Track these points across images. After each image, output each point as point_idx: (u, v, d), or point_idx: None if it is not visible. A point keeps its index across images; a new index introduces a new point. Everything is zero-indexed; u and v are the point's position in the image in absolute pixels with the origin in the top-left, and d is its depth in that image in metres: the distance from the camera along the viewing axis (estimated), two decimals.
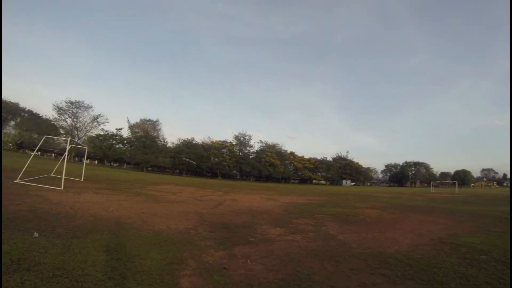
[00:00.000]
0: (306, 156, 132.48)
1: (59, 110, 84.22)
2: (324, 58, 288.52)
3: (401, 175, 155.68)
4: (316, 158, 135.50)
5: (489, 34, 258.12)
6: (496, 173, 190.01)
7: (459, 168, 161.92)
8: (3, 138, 74.92)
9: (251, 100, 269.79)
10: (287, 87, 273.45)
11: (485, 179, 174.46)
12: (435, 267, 7.67)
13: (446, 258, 8.57)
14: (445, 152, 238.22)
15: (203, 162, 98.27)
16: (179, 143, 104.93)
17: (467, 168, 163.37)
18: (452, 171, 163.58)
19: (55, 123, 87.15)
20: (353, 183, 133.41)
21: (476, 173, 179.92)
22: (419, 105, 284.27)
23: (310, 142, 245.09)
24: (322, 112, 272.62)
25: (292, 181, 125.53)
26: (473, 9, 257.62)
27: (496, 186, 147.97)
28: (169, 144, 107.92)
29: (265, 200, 25.31)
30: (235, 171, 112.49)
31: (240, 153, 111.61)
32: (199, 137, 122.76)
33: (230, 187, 40.94)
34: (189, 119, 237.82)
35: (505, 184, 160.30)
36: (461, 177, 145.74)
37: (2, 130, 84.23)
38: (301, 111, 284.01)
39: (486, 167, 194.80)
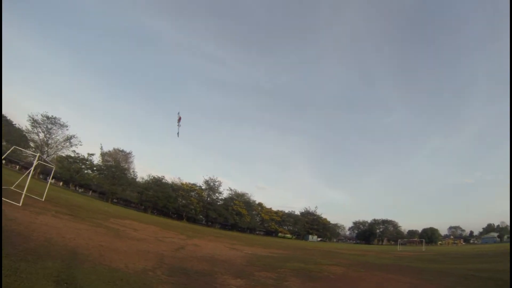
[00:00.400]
0: (274, 208, 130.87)
1: (34, 122, 79.71)
2: (303, 112, 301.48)
3: (368, 233, 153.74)
4: (284, 211, 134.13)
5: (461, 96, 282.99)
6: (463, 230, 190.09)
7: (427, 226, 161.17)
8: None
9: (226, 146, 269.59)
10: (263, 136, 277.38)
11: (452, 237, 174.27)
12: None
13: None
14: (413, 209, 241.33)
15: (170, 202, 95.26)
16: (148, 179, 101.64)
17: (435, 226, 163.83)
18: (419, 229, 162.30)
19: (26, 135, 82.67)
20: (319, 239, 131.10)
21: (443, 230, 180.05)
22: (391, 163, 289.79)
23: (279, 194, 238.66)
24: (294, 165, 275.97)
25: (257, 232, 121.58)
26: (447, 71, 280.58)
27: (463, 243, 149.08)
28: (139, 179, 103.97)
29: (228, 249, 24.75)
30: (201, 216, 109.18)
31: (208, 198, 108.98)
32: (170, 176, 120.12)
33: (194, 232, 39.84)
34: (162, 156, 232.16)
35: (471, 241, 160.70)
36: (429, 235, 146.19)
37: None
38: (274, 163, 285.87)
39: (453, 224, 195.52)
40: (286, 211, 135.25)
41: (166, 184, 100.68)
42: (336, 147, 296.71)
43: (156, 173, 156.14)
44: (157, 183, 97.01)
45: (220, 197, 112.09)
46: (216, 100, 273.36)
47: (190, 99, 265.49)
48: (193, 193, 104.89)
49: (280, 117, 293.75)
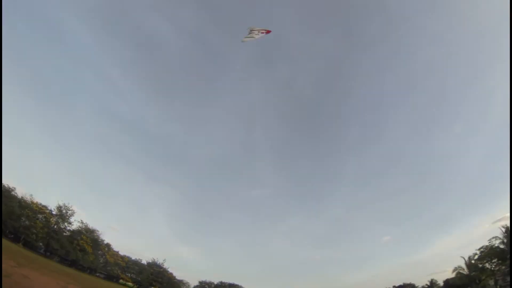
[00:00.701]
0: (122, 253, 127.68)
1: None
2: (177, 163, 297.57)
3: None
4: (131, 258, 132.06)
5: (327, 186, 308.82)
6: None
7: None
8: None
9: (91, 176, 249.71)
10: (130, 177, 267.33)
11: None
12: None
13: None
14: (263, 278, 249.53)
15: (11, 219, 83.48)
16: None
17: None
18: None
19: None
20: None
21: None
22: (248, 233, 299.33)
23: (130, 240, 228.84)
24: (153, 214, 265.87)
25: (98, 274, 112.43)
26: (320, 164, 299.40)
27: None
28: None
29: None
30: (41, 243, 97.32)
31: (55, 226, 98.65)
32: (21, 190, 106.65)
33: (28, 260, 35.21)
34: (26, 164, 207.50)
35: None
36: None
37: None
38: (133, 207, 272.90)
39: None
40: (133, 258, 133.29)
41: (15, 197, 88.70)
42: (198, 205, 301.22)
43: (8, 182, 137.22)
44: (4, 194, 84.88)
45: (68, 228, 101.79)
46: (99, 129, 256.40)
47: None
48: (40, 216, 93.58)
49: (154, 164, 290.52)
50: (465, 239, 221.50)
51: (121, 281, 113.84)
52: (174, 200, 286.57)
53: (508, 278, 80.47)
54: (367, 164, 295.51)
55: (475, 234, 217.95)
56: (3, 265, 20.78)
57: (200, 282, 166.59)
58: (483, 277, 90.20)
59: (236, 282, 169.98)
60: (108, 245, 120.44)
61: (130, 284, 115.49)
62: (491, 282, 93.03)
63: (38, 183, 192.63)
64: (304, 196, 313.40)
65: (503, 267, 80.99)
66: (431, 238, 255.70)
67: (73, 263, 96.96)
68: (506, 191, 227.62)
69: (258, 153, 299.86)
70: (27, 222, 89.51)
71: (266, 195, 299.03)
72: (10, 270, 19.00)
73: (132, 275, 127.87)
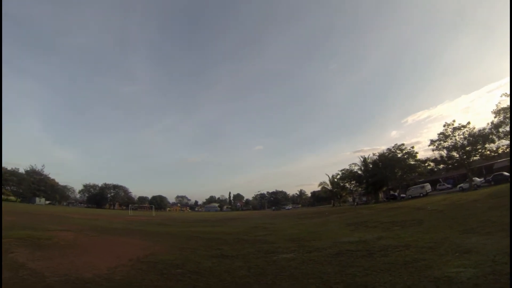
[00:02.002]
0: None
1: None
2: (46, 54, 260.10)
3: (99, 197, 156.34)
4: (6, 168, 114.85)
5: (201, 87, 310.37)
6: (189, 200, 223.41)
7: (156, 193, 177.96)
8: None
9: None
10: None
11: (179, 205, 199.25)
12: (136, 285, 8.43)
13: (145, 276, 9.48)
14: (144, 178, 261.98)
15: None
16: None
17: (163, 194, 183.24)
18: (149, 196, 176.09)
19: None
20: (48, 202, 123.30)
21: (171, 199, 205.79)
22: (124, 131, 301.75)
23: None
24: (21, 114, 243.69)
25: None
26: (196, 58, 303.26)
27: (189, 211, 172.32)
28: None
29: None
30: None
31: None
32: None
33: None
34: None
35: (196, 209, 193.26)
36: (158, 202, 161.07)
37: None
38: None
39: (180, 194, 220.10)
40: (9, 168, 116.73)
41: None
42: (72, 102, 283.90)
43: None
44: None
45: None
46: None
47: None
48: None
49: (18, 53, 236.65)
50: (329, 160, 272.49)
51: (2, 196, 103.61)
52: (43, 96, 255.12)
53: (364, 198, 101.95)
54: (241, 75, 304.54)
55: (338, 157, 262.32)
56: None
57: (85, 186, 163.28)
58: (344, 194, 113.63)
59: (119, 183, 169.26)
60: None
61: (12, 198, 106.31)
62: (350, 199, 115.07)
63: None
64: (179, 98, 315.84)
65: (360, 189, 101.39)
66: (300, 154, 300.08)
67: None
68: (366, 129, 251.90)
69: (132, 46, 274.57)
70: None
71: (138, 92, 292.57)
72: None
73: (12, 187, 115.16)
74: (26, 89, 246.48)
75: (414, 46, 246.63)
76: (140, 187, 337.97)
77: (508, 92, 52.85)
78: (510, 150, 53.60)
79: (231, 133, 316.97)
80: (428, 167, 74.24)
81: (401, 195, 71.84)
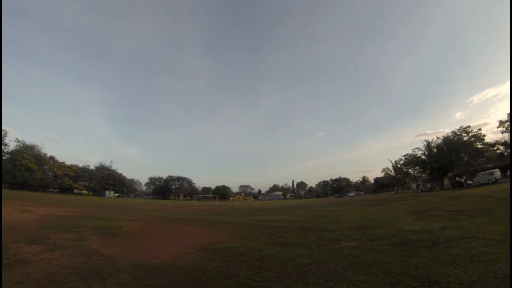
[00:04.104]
0: (68, 163, 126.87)
1: None
2: (106, 61, 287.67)
3: (164, 188, 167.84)
4: (78, 166, 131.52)
5: (261, 79, 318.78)
6: (253, 189, 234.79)
7: (220, 183, 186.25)
8: None
9: (9, 88, 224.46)
10: (57, 80, 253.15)
11: (242, 194, 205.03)
12: (200, 271, 8.68)
13: (209, 263, 9.79)
14: (207, 169, 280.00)
15: None
16: None
17: (227, 184, 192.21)
18: (213, 186, 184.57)
19: None
20: (116, 195, 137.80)
21: (235, 188, 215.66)
22: (186, 125, 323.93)
23: (73, 147, 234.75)
24: (90, 116, 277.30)
25: (51, 189, 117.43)
26: (251, 52, 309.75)
27: (253, 200, 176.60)
28: None
29: (19, 212, 24.10)
30: None
31: None
32: None
33: None
34: None
35: (260, 198, 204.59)
36: (222, 192, 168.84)
37: None
38: (66, 112, 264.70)
39: (243, 183, 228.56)
40: (81, 166, 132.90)
41: None
42: (132, 102, 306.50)
43: None
44: None
45: (5, 150, 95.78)
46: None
47: None
48: None
49: (77, 61, 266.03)
50: (392, 145, 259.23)
51: (75, 191, 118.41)
52: (107, 99, 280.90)
53: (428, 185, 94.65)
54: (299, 62, 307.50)
55: (400, 142, 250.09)
56: None
57: (150, 179, 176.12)
58: (407, 180, 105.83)
59: (182, 175, 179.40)
60: (52, 158, 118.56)
61: (85, 192, 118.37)
62: (414, 186, 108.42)
63: None
64: (237, 88, 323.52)
65: (423, 175, 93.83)
66: (362, 139, 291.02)
67: (23, 185, 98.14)
68: (429, 111, 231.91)
69: (186, 44, 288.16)
70: None
71: (197, 86, 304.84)
72: None
73: (84, 182, 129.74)
74: (91, 93, 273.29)
75: (477, 16, 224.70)
76: (204, 178, 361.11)
77: None
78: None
79: (292, 120, 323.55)
80: (498, 151, 68.93)
81: (468, 181, 66.52)
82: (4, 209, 24.40)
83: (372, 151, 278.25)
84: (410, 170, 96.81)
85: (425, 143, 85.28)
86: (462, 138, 70.74)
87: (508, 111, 57.47)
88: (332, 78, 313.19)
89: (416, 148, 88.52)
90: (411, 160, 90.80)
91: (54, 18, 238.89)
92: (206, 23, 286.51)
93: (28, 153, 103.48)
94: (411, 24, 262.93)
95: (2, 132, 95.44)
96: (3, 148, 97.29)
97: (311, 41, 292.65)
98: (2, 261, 8.96)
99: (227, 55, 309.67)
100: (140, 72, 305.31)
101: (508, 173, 66.26)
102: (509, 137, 59.61)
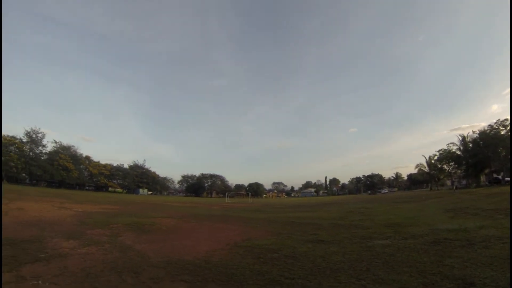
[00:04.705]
0: (103, 162, 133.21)
1: None
2: (136, 63, 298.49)
3: (197, 186, 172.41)
4: (113, 165, 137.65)
5: (289, 73, 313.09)
6: (285, 186, 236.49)
7: (252, 181, 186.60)
8: None
9: (45, 93, 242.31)
10: (90, 84, 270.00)
11: (275, 191, 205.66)
12: (233, 268, 8.73)
13: (242, 260, 9.87)
14: (240, 166, 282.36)
15: None
16: None
17: (260, 181, 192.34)
18: (246, 184, 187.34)
19: None
20: (150, 192, 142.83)
21: (268, 185, 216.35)
22: (217, 123, 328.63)
23: (107, 147, 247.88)
24: (122, 117, 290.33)
25: (87, 188, 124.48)
26: (281, 48, 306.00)
27: (285, 197, 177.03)
28: None
29: (57, 209, 24.97)
30: (24, 174, 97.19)
31: (31, 153, 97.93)
32: None
33: (17, 193, 37.85)
34: None
35: (292, 195, 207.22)
36: (254, 189, 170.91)
37: None
38: (100, 113, 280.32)
39: (276, 180, 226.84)
40: (115, 165, 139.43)
41: None
42: (163, 101, 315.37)
43: None
44: None
45: (44, 151, 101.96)
46: (35, 38, 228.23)
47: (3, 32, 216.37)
48: (12, 148, 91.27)
49: (110, 65, 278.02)
50: (425, 140, 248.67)
51: (110, 189, 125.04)
52: (139, 99, 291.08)
53: (464, 181, 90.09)
54: (328, 57, 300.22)
55: (434, 137, 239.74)
56: None
57: (183, 177, 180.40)
58: (442, 177, 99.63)
59: (215, 173, 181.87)
60: (87, 158, 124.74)
61: (119, 190, 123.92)
62: (448, 183, 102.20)
63: None
64: (268, 85, 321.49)
65: (459, 171, 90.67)
66: (394, 135, 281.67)
67: (61, 184, 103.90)
68: (464, 104, 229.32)
69: (215, 43, 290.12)
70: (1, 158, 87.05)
71: (226, 85, 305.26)
72: (4, 208, 20.01)
73: (118, 181, 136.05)
74: (123, 94, 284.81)
75: None
76: (237, 176, 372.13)
77: None
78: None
79: (324, 116, 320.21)
80: None
81: (506, 178, 64.39)
82: (43, 206, 25.63)
83: (405, 147, 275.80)
84: (445, 166, 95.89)
85: (460, 138, 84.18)
86: (500, 132, 68.70)
87: None
88: (363, 72, 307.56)
89: (451, 143, 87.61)
90: (446, 156, 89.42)
91: (84, 24, 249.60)
92: (234, 21, 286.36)
93: (65, 153, 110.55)
94: (442, 11, 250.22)
95: (40, 134, 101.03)
96: (41, 149, 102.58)
97: (340, 35, 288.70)
98: (41, 256, 9.41)
99: (256, 52, 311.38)
100: (170, 72, 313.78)
101: None
102: None
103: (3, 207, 21.27)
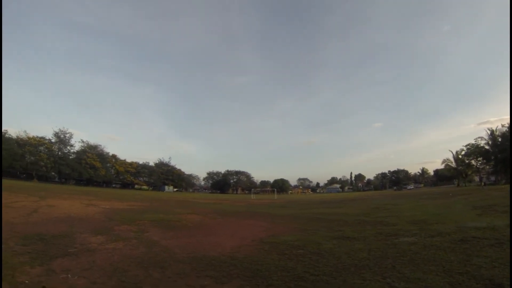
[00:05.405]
0: (129, 160, 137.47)
1: None
2: (160, 62, 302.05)
3: (223, 183, 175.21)
4: (138, 163, 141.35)
5: (313, 68, 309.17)
6: (311, 182, 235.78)
7: (278, 177, 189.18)
8: None
9: (72, 93, 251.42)
10: (115, 84, 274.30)
11: (301, 187, 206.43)
12: (258, 264, 8.81)
13: (267, 256, 9.97)
14: (265, 163, 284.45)
15: (16, 161, 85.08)
16: None
17: (285, 177, 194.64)
18: (271, 180, 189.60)
19: None
20: (175, 189, 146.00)
21: (293, 181, 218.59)
22: (242, 120, 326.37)
23: (133, 145, 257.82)
24: (147, 116, 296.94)
25: (113, 185, 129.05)
26: (304, 43, 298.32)
27: (311, 192, 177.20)
28: None
29: (85, 206, 25.78)
30: (53, 173, 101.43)
31: (60, 153, 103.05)
32: (13, 130, 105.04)
33: (47, 191, 39.52)
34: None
35: (318, 191, 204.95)
36: (280, 185, 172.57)
37: None
38: (126, 112, 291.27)
39: (302, 176, 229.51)
40: (141, 162, 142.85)
41: (10, 139, 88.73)
42: (187, 99, 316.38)
43: None
44: None
45: (72, 151, 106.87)
46: (67, 43, 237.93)
47: (38, 40, 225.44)
48: (42, 148, 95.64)
49: (136, 65, 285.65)
50: (452, 135, 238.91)
51: (136, 186, 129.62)
52: (164, 97, 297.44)
53: (493, 178, 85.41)
54: (352, 50, 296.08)
55: (461, 131, 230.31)
56: (27, 203, 22.65)
57: (209, 173, 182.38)
58: (469, 172, 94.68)
59: (241, 169, 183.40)
60: (114, 156, 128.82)
61: (145, 187, 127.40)
62: (476, 179, 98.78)
63: (26, 117, 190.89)
64: (292, 81, 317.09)
65: (488, 167, 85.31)
66: (420, 129, 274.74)
67: (88, 182, 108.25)
68: (492, 96, 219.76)
69: (238, 40, 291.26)
70: (32, 158, 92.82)
71: (250, 81, 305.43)
72: (34, 206, 21.57)
73: (144, 178, 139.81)
74: (148, 93, 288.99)
75: None
76: (262, 172, 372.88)
77: None
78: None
79: (348, 111, 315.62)
80: None
81: None
82: (71, 203, 26.55)
83: (431, 141, 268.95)
84: (473, 162, 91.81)
85: (489, 132, 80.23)
86: None
87: None
88: (387, 65, 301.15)
89: (479, 137, 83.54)
90: (473, 151, 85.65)
91: (109, 27, 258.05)
92: (255, 17, 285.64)
93: (92, 152, 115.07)
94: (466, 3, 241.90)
95: (67, 135, 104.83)
96: (69, 149, 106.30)
97: (364, 28, 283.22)
98: (70, 250, 9.77)
99: (279, 48, 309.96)
100: (195, 70, 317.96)
101: None
102: None
103: (34, 204, 22.24)
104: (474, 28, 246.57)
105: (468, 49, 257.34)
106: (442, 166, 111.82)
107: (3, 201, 22.53)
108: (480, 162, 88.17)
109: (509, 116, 51.71)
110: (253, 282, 7.17)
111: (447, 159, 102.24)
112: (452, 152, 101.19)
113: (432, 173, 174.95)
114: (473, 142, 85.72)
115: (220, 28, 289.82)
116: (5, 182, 55.29)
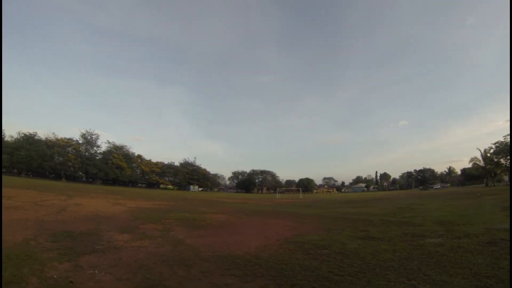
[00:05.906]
0: (154, 160, 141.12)
1: None
2: (182, 64, 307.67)
3: (248, 182, 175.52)
4: (164, 163, 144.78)
5: (337, 66, 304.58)
6: (336, 181, 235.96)
7: (303, 176, 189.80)
8: None
9: (99, 96, 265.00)
10: (139, 86, 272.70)
11: (326, 186, 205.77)
12: (282, 263, 8.80)
13: (292, 255, 9.95)
14: (290, 162, 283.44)
15: (45, 161, 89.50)
16: (18, 137, 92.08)
17: (310, 177, 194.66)
18: (296, 179, 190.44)
19: None
20: (201, 189, 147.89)
21: (318, 181, 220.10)
22: (266, 119, 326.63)
23: (158, 146, 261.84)
24: (172, 116, 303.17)
25: (139, 185, 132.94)
26: (327, 40, 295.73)
27: (336, 192, 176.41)
28: (7, 138, 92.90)
29: (112, 205, 26.35)
30: (80, 173, 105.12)
31: (87, 153, 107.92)
32: (43, 132, 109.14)
33: (75, 191, 41.28)
34: (31, 108, 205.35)
35: (343, 190, 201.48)
36: (305, 184, 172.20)
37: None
38: (150, 114, 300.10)
39: (327, 176, 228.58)
40: (166, 163, 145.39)
41: (40, 141, 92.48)
42: (211, 99, 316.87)
43: (27, 129, 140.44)
44: (29, 141, 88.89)
45: (98, 151, 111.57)
46: (91, 47, 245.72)
47: (62, 45, 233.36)
48: (69, 149, 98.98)
49: (158, 67, 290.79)
50: (479, 132, 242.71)
51: (161, 186, 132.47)
52: (188, 98, 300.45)
53: None
54: (376, 47, 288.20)
55: (489, 128, 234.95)
56: (56, 202, 23.50)
57: (234, 173, 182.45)
58: (498, 171, 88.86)
59: (266, 169, 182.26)
60: (139, 156, 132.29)
61: (170, 186, 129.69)
62: (506, 178, 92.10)
63: (54, 120, 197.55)
64: (315, 80, 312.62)
65: None
66: (447, 127, 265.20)
67: (114, 182, 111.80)
68: None
69: (260, 40, 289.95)
70: (60, 159, 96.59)
71: (274, 80, 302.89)
72: (63, 204, 22.22)
73: (169, 178, 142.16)
74: (172, 95, 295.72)
75: None
76: (287, 171, 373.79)
77: None
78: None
79: (373, 109, 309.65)
80: None
81: None
82: (98, 201, 27.41)
83: (458, 139, 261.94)
84: (502, 160, 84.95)
85: None
86: None
87: None
88: (411, 61, 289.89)
89: (508, 134, 78.06)
90: (503, 149, 79.88)
91: (133, 31, 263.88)
92: (277, 16, 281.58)
93: (118, 152, 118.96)
94: None
95: (94, 136, 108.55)
96: (96, 149, 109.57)
97: (386, 24, 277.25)
98: (97, 247, 10.05)
99: (301, 47, 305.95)
100: (218, 71, 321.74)
101: None
102: None
103: (63, 203, 23.13)
104: (500, 20, 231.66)
105: (495, 42, 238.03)
106: (469, 165, 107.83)
107: (34, 199, 23.79)
108: (509, 161, 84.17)
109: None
110: (277, 281, 7.17)
111: (475, 158, 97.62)
112: (480, 150, 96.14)
113: (459, 172, 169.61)
114: (502, 139, 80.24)
115: (242, 28, 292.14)
116: (35, 181, 58.66)
